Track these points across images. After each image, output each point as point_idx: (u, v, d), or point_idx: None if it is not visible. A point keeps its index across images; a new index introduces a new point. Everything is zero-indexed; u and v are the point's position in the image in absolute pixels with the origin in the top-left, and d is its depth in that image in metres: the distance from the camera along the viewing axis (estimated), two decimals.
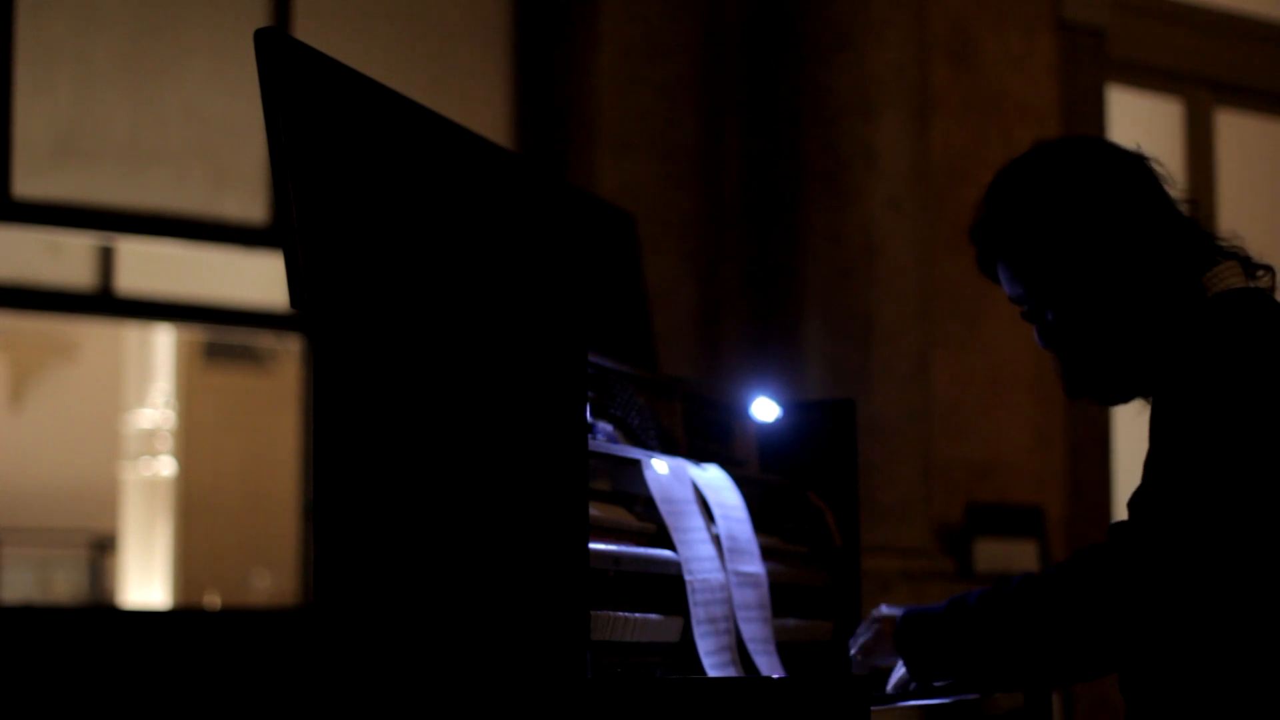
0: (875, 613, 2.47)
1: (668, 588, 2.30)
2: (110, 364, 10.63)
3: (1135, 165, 2.34)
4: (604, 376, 2.50)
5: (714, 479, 2.52)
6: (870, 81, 5.38)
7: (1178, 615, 2.12)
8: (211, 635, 5.06)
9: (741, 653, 2.42)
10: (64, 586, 10.48)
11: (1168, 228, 2.30)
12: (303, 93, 2.18)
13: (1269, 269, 2.35)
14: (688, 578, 2.31)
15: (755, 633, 2.46)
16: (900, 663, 2.37)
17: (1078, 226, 2.29)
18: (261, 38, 2.16)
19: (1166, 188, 2.35)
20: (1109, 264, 2.28)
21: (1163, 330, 2.25)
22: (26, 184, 5.16)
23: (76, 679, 4.78)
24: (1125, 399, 2.38)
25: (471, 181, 2.58)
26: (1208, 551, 2.10)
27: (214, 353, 9.93)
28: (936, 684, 2.33)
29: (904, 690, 2.38)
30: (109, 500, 10.22)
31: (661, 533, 2.32)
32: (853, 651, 2.49)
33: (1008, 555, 5.83)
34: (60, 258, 6.44)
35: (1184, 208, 2.36)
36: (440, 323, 2.11)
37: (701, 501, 2.45)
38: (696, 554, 2.35)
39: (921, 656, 2.30)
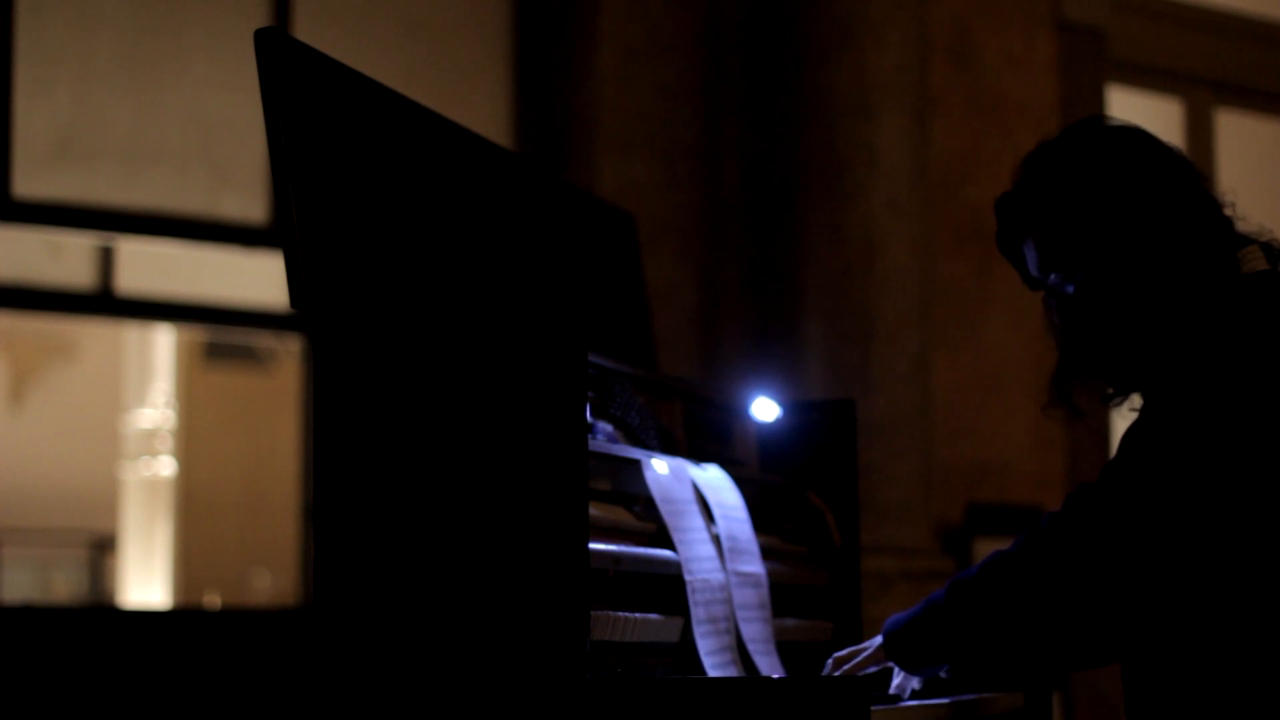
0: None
1: (668, 588, 2.30)
2: (110, 364, 10.62)
3: (1173, 151, 2.37)
4: (604, 376, 2.50)
5: (714, 479, 2.52)
6: (870, 81, 5.38)
7: (1133, 586, 2.12)
8: (211, 635, 5.06)
9: (741, 653, 2.42)
10: (64, 586, 10.48)
11: (1203, 207, 2.32)
12: (303, 93, 2.18)
13: None
14: (688, 578, 2.31)
15: (755, 633, 2.46)
16: (897, 667, 2.36)
17: (1117, 193, 2.30)
18: (261, 38, 2.16)
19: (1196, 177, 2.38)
20: (1145, 234, 2.28)
21: (1197, 304, 2.26)
22: (26, 184, 5.16)
23: (76, 679, 4.78)
24: (1136, 385, 2.34)
25: (471, 182, 2.58)
26: (1164, 523, 2.11)
27: (214, 353, 9.92)
28: (941, 675, 2.33)
29: (906, 691, 2.38)
30: (109, 500, 10.21)
31: (661, 533, 2.32)
32: (838, 672, 2.43)
33: None
34: (60, 258, 6.44)
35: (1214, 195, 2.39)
36: (440, 323, 2.11)
37: (701, 501, 2.45)
38: (696, 554, 2.35)
39: (909, 654, 2.30)
